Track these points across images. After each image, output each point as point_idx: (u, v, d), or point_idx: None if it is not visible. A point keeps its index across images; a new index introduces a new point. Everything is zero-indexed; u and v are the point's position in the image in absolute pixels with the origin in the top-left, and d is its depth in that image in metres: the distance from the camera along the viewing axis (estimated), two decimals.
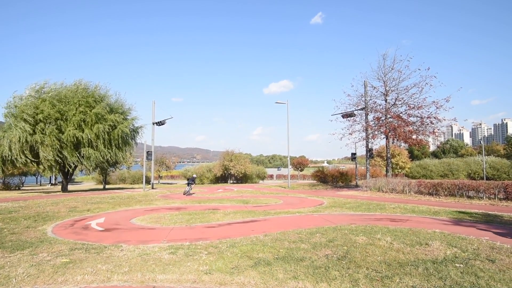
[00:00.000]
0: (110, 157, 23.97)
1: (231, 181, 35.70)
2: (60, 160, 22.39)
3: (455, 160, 36.52)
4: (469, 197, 13.89)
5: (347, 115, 21.91)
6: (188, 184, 19.09)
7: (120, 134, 24.20)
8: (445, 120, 18.99)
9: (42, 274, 4.25)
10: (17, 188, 33.81)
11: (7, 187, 32.89)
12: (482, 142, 47.32)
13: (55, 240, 6.46)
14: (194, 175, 22.37)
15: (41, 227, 8.02)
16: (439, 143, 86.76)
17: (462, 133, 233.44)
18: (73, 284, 3.93)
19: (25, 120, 21.13)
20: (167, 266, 4.56)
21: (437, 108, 18.74)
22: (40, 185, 44.35)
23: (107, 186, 31.65)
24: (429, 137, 21.51)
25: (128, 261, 4.84)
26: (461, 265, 4.37)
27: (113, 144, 24.04)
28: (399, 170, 40.26)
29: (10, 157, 21.34)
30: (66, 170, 23.82)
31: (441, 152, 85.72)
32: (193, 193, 18.76)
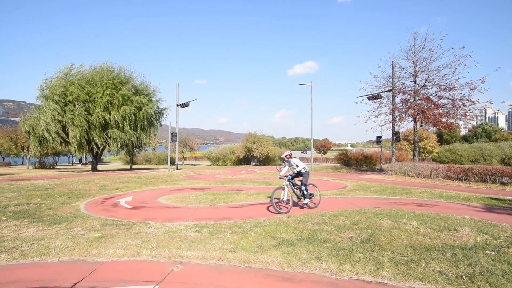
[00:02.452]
0: (136, 138, 24.72)
1: (254, 163, 35.97)
2: (88, 140, 23.35)
3: (488, 145, 34.74)
4: (502, 183, 13.25)
5: (373, 97, 21.20)
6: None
7: (145, 115, 24.80)
8: (479, 102, 17.94)
9: (77, 247, 4.52)
10: (51, 167, 35.86)
11: (42, 166, 34.95)
12: None
13: (88, 216, 6.82)
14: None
15: (74, 203, 8.48)
16: (471, 127, 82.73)
17: (497, 116, 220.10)
18: (105, 257, 4.15)
19: (55, 102, 22.04)
20: (193, 243, 4.71)
21: (470, 89, 17.69)
22: (72, 165, 46.73)
23: (133, 166, 32.82)
24: (460, 120, 20.49)
25: (156, 237, 5.04)
26: (493, 253, 4.22)
27: (138, 126, 24.73)
28: (426, 155, 38.89)
29: (44, 136, 22.50)
30: (94, 150, 24.85)
31: (472, 136, 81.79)
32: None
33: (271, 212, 7.12)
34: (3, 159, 45.14)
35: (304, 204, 7.62)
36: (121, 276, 3.55)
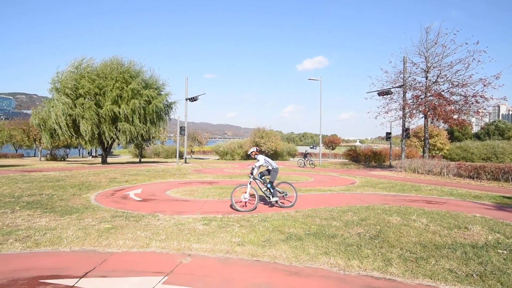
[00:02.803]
0: (145, 131, 24.93)
1: None
2: (98, 134, 23.64)
3: (501, 143, 34.04)
4: None
5: (383, 93, 20.92)
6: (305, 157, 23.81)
7: (154, 109, 24.97)
8: (492, 99, 17.54)
9: (88, 237, 4.60)
10: (62, 159, 36.53)
11: (54, 158, 35.63)
12: None
13: (98, 207, 6.93)
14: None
15: (85, 195, 8.63)
16: (483, 124, 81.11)
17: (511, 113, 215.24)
18: (116, 247, 4.22)
19: (67, 95, 22.35)
20: (201, 236, 4.75)
21: (484, 86, 17.29)
22: (82, 157, 47.47)
23: (142, 160, 33.17)
24: (472, 117, 20.10)
25: (165, 229, 5.10)
26: (505, 252, 4.15)
27: (147, 119, 24.93)
28: (437, 152, 38.32)
29: (55, 129, 22.87)
30: (104, 143, 25.16)
31: (485, 134, 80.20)
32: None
33: (276, 206, 7.13)
34: (16, 150, 46.16)
35: (273, 202, 7.11)
36: (131, 266, 3.61)
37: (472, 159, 31.65)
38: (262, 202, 7.56)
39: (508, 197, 9.16)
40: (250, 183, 6.95)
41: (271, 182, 7.05)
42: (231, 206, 6.98)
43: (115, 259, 3.84)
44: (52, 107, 22.60)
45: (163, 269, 3.50)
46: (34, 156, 45.87)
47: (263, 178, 7.18)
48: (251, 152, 7.26)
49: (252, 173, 6.92)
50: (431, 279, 3.33)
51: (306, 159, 23.71)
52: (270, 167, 7.12)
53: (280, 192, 7.29)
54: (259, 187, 7.24)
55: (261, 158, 6.95)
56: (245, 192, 6.84)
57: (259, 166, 6.93)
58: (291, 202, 7.25)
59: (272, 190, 7.02)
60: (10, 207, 6.67)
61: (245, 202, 6.84)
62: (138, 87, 24.23)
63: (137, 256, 3.97)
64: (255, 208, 6.77)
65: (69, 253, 4.04)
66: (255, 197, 6.93)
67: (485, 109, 18.43)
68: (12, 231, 4.84)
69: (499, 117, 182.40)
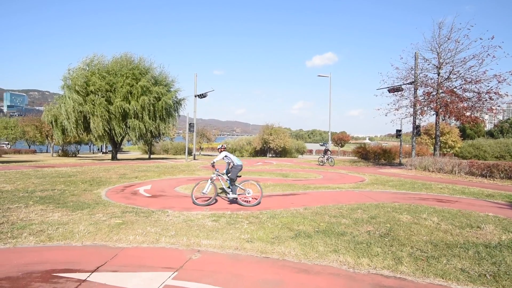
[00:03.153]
0: (155, 128, 25.14)
1: (270, 155, 35.97)
2: (108, 130, 23.93)
3: None
4: None
5: (394, 90, 20.60)
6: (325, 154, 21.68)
7: (164, 105, 25.14)
8: (507, 95, 17.12)
9: (99, 232, 4.67)
10: (73, 155, 37.13)
11: (65, 154, 36.26)
12: None
13: (109, 203, 7.03)
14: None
15: (96, 190, 8.76)
16: (497, 121, 79.37)
17: None
18: (126, 243, 4.28)
19: (77, 92, 22.65)
20: (211, 232, 4.78)
21: (499, 82, 16.86)
22: (93, 153, 48.17)
23: (151, 156, 33.49)
24: (485, 114, 19.68)
25: (174, 225, 5.14)
26: None
27: (157, 116, 25.12)
28: (448, 150, 37.74)
29: (66, 126, 23.24)
30: (114, 140, 25.46)
31: (498, 132, 78.57)
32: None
33: (288, 203, 7.12)
34: (29, 146, 47.12)
35: (231, 198, 7.12)
36: (141, 261, 3.65)
37: (485, 157, 31.04)
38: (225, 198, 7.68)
39: None
40: (211, 179, 7.15)
41: (231, 179, 7.06)
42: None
43: (126, 254, 3.89)
44: (63, 103, 22.96)
45: (173, 265, 3.54)
46: (46, 152, 46.75)
47: (228, 175, 7.20)
48: (218, 149, 7.61)
49: (213, 166, 7.18)
50: (443, 278, 3.28)
51: (326, 156, 21.80)
52: (232, 164, 7.20)
53: (243, 189, 7.19)
54: (223, 183, 7.45)
55: (222, 154, 7.23)
56: (204, 187, 7.12)
57: (216, 160, 7.15)
58: (257, 200, 7.04)
59: (231, 187, 7.07)
60: (24, 202, 6.82)
61: (204, 197, 7.20)
62: (148, 84, 24.42)
63: (147, 251, 4.01)
64: (213, 203, 6.98)
65: (81, 247, 4.11)
66: (213, 192, 7.18)
67: (499, 106, 17.99)
68: (26, 225, 4.95)
69: None
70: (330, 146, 29.92)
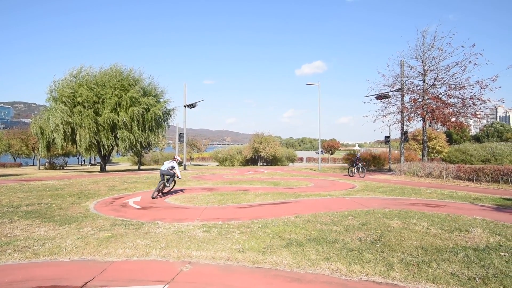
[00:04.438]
0: (144, 139, 24.92)
1: (261, 164, 35.96)
2: (96, 142, 23.59)
3: (499, 145, 34.16)
4: None
5: (381, 97, 21.00)
6: (354, 163, 18.72)
7: (153, 116, 25.01)
8: (489, 101, 17.62)
9: (88, 246, 4.57)
10: (61, 167, 36.39)
11: (52, 166, 35.49)
12: None
13: (97, 216, 6.89)
14: (359, 154, 14.06)
15: (84, 203, 8.58)
16: (482, 126, 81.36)
17: (509, 115, 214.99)
18: (115, 256, 4.19)
19: (64, 103, 22.34)
20: (202, 243, 4.72)
21: (481, 88, 17.39)
22: (81, 165, 47.32)
23: (141, 167, 33.08)
24: (470, 119, 20.15)
25: (165, 237, 5.07)
26: (506, 254, 4.13)
27: (146, 127, 24.95)
28: (435, 155, 38.40)
29: (53, 138, 22.83)
30: (103, 151, 25.10)
31: (484, 136, 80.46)
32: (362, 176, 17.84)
33: (279, 212, 7.11)
34: (15, 160, 45.99)
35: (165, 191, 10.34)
36: (131, 275, 3.58)
37: (471, 161, 31.71)
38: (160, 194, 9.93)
39: (508, 199, 9.15)
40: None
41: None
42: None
43: (115, 268, 3.81)
44: (50, 115, 22.59)
45: (163, 278, 3.47)
46: (33, 165, 45.68)
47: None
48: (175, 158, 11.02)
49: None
50: (433, 283, 3.31)
51: (357, 165, 18.39)
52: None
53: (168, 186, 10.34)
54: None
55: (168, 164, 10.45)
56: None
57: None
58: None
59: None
60: (9, 217, 6.63)
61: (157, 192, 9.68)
62: (137, 95, 24.29)
63: (137, 264, 3.94)
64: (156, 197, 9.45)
65: (68, 263, 4.01)
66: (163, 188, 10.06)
67: (482, 111, 18.48)
68: (11, 242, 4.81)
69: (496, 119, 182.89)
70: (321, 153, 30.11)
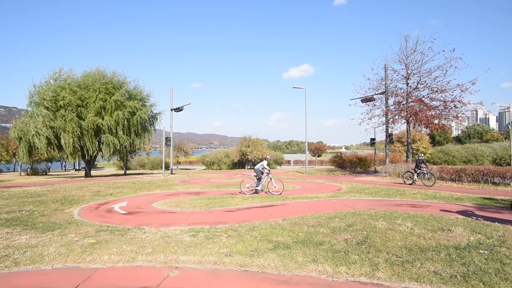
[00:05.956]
0: (130, 143, 24.54)
1: (249, 167, 35.90)
2: (79, 147, 23.08)
3: (480, 146, 35.26)
4: (494, 183, 13.44)
5: (366, 100, 21.40)
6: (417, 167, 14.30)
7: (139, 120, 24.65)
8: (470, 103, 18.23)
9: (71, 253, 4.46)
10: (44, 173, 35.34)
11: (35, 172, 34.43)
12: (509, 127, 45.31)
13: (82, 222, 6.74)
14: (421, 155, 14.35)
15: (68, 209, 8.38)
16: (463, 128, 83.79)
17: (488, 117, 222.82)
18: (100, 263, 4.11)
19: (46, 107, 21.77)
20: (189, 248, 4.69)
21: (462, 91, 17.98)
22: (65, 171, 46.16)
23: (127, 172, 32.54)
24: (452, 121, 20.77)
25: (151, 242, 5.00)
26: (486, 252, 4.27)
27: (132, 131, 24.56)
28: None
29: (35, 142, 22.20)
30: (87, 156, 24.57)
31: (466, 137, 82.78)
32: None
33: (266, 215, 7.13)
34: None
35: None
36: (116, 282, 3.52)
37: (454, 162, 32.58)
38: None
39: (488, 198, 9.46)
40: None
41: None
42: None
43: (100, 275, 3.74)
44: (32, 119, 21.99)
45: (150, 283, 3.43)
46: (14, 171, 44.29)
47: None
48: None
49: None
50: (417, 282, 3.38)
51: (419, 170, 14.19)
52: None
53: None
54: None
55: None
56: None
57: None
58: None
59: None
60: None
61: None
62: (122, 98, 23.91)
63: (123, 271, 3.87)
64: None
65: (51, 271, 3.91)
66: None
67: (463, 113, 19.09)
68: None
69: (477, 120, 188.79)
70: (308, 156, 30.29)
